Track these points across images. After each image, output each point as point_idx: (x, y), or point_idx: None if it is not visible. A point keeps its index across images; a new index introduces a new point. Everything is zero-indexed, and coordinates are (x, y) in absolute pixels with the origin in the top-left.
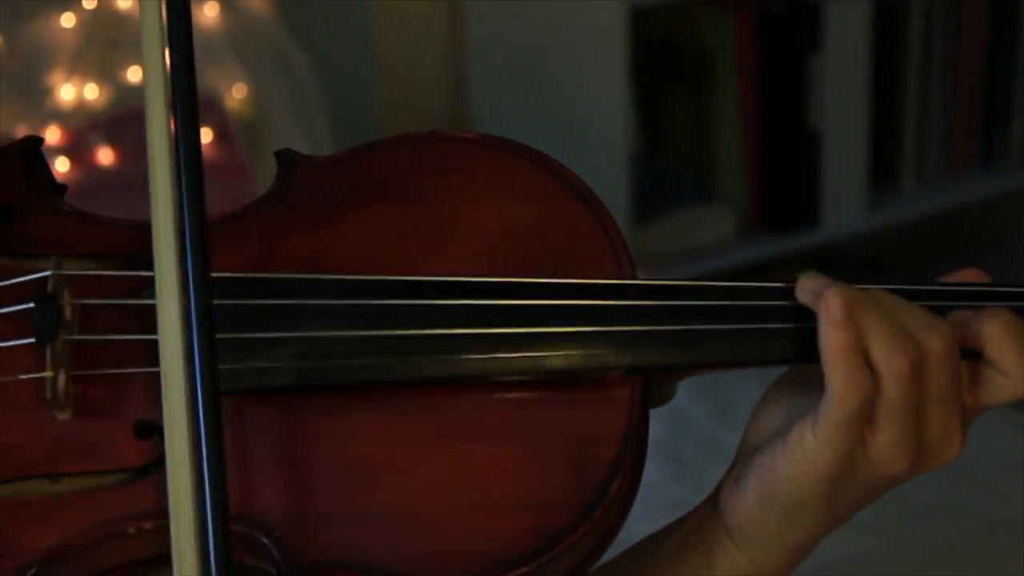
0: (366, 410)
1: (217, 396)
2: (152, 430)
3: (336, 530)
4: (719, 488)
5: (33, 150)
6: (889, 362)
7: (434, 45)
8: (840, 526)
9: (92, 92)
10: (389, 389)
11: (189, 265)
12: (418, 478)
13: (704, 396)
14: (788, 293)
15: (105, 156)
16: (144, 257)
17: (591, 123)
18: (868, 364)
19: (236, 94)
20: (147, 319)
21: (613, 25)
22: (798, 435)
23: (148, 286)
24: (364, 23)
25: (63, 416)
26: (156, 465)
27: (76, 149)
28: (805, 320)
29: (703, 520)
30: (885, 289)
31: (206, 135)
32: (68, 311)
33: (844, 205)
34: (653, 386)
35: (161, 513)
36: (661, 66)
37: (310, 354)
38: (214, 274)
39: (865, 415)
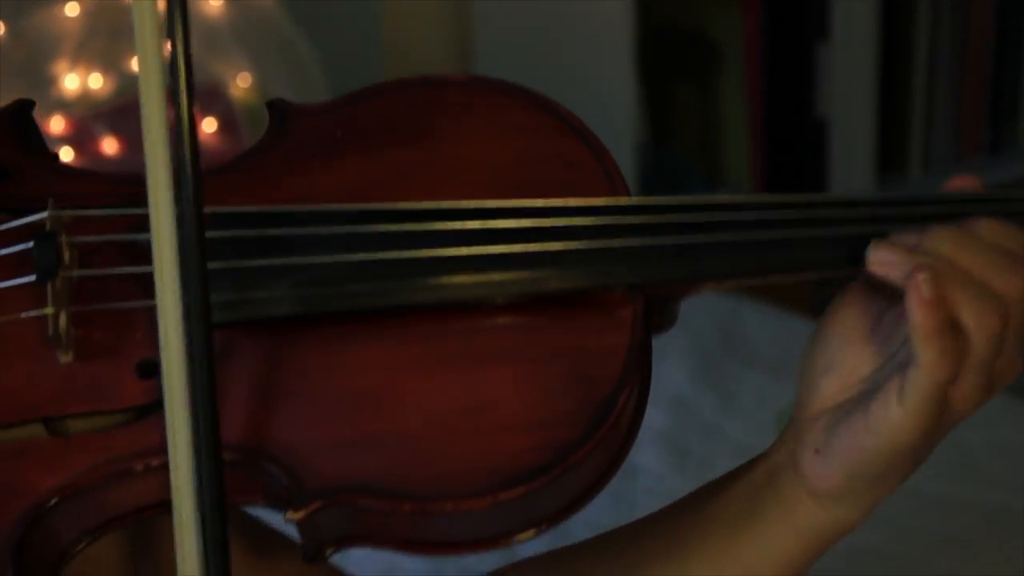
0: (367, 339)
1: (210, 324)
2: (155, 369)
3: (344, 456)
4: (795, 454)
5: (25, 113)
6: (981, 325)
7: (441, 33)
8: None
9: (96, 81)
10: (388, 317)
11: (185, 193)
12: (422, 402)
13: (709, 388)
14: (785, 206)
15: (109, 146)
16: (139, 201)
17: (597, 111)
18: (957, 326)
19: (241, 83)
20: (142, 256)
21: (620, 13)
22: (882, 411)
23: (144, 228)
24: (371, 10)
25: (66, 358)
26: (160, 403)
27: (80, 138)
28: (803, 228)
29: (777, 476)
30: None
31: (211, 124)
32: (67, 251)
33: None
34: (655, 305)
35: (167, 449)
36: (667, 54)
37: (308, 282)
38: (210, 209)
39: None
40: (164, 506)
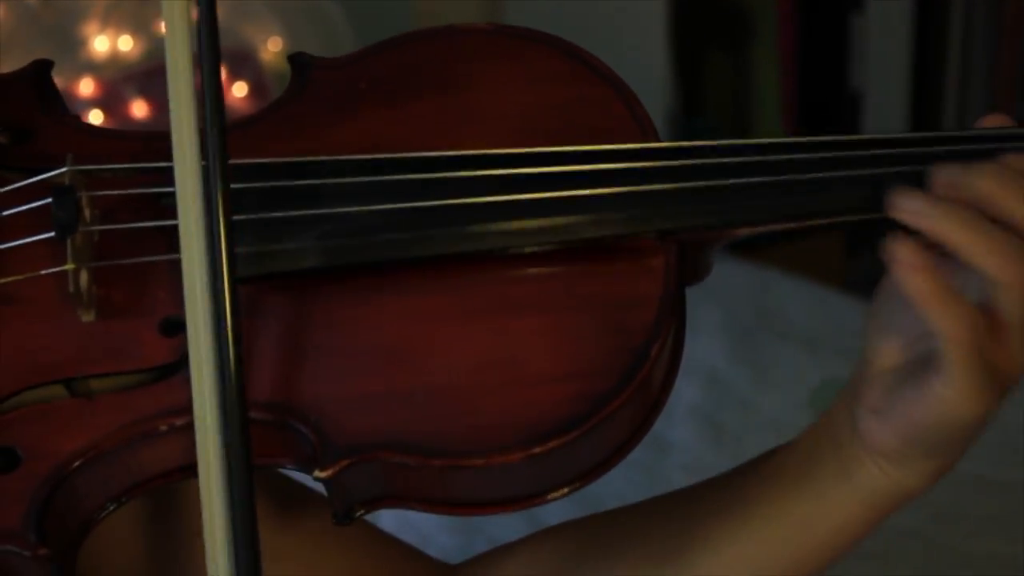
0: (394, 291)
1: (236, 279)
2: (178, 327)
3: (372, 411)
4: (854, 413)
5: (44, 73)
6: (998, 278)
7: None
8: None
9: (126, 44)
10: (416, 268)
11: (210, 145)
12: (451, 355)
13: (743, 362)
14: (819, 146)
15: (139, 109)
16: (160, 158)
17: (629, 80)
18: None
19: (271, 47)
20: (164, 212)
21: None
22: (928, 387)
23: (166, 183)
24: None
25: (87, 318)
26: (184, 361)
27: (110, 101)
28: (836, 170)
29: (838, 433)
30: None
31: (242, 89)
32: (87, 208)
33: None
34: (688, 253)
35: (191, 409)
36: (701, 23)
37: (334, 233)
38: (234, 161)
39: (985, 341)
40: (189, 471)
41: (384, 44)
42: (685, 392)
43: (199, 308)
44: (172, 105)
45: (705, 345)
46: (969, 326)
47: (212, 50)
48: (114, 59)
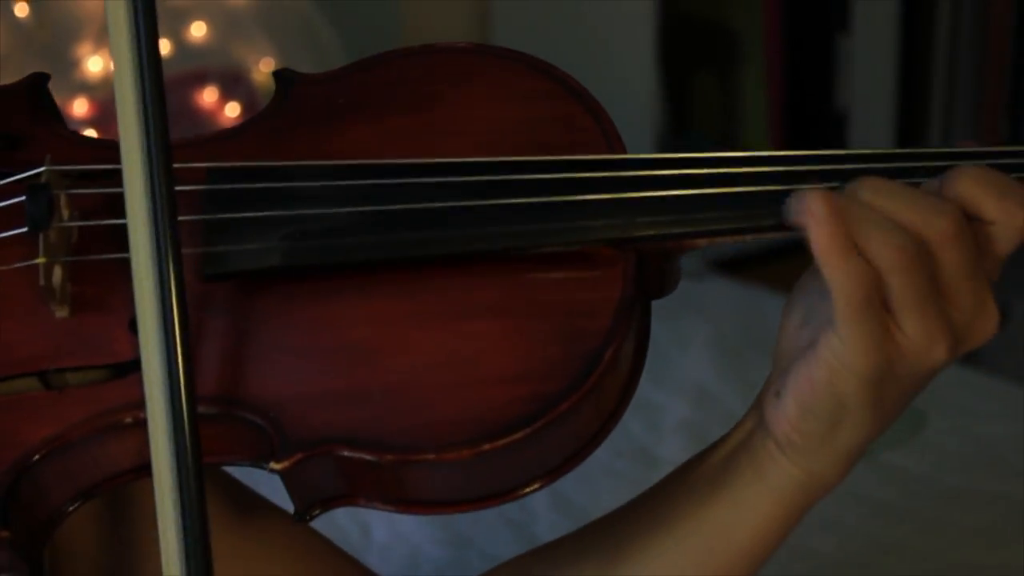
0: (354, 294)
1: (182, 278)
2: None
3: (329, 408)
4: (762, 403)
5: (39, 85)
6: (881, 255)
7: (460, 18)
8: (892, 423)
9: None
10: (377, 272)
11: (152, 147)
12: (408, 355)
13: (732, 379)
14: (778, 160)
15: None
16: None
17: (619, 100)
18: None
19: (264, 68)
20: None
21: (642, 3)
22: (824, 341)
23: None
24: None
25: (61, 313)
26: None
27: (104, 121)
28: (798, 183)
29: (750, 435)
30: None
31: (234, 109)
32: (64, 206)
33: None
34: (650, 262)
35: None
36: (689, 44)
37: (298, 234)
38: (208, 164)
39: (877, 307)
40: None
41: (364, 62)
42: (675, 408)
43: (147, 301)
44: (119, 107)
45: (694, 362)
46: (858, 282)
47: (152, 52)
48: (108, 79)
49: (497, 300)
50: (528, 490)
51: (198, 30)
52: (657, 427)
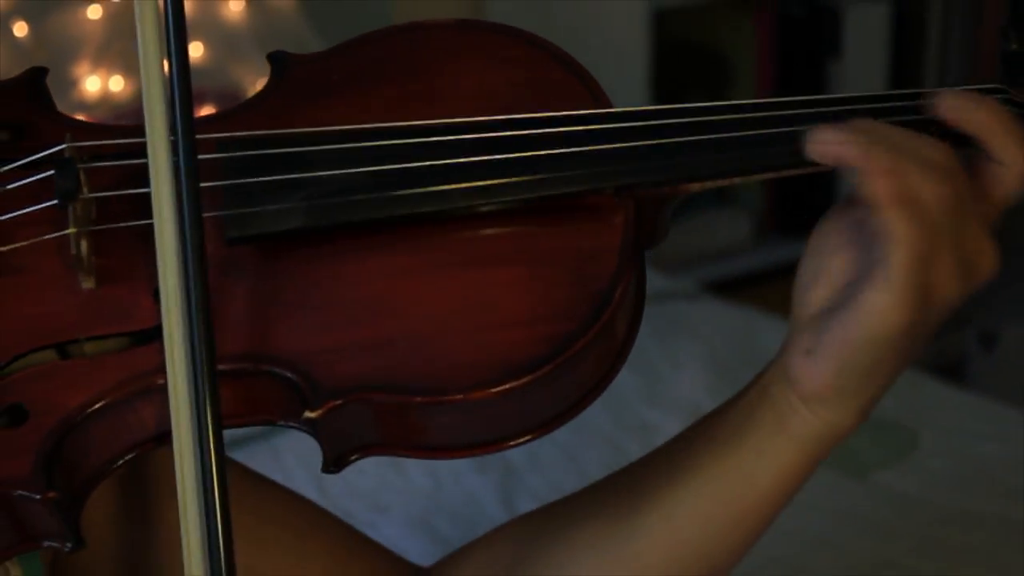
0: (373, 251)
1: (202, 243)
2: None
3: (357, 357)
4: (786, 363)
5: (39, 78)
6: (935, 192)
7: None
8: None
9: (117, 84)
10: (391, 230)
11: (178, 119)
12: (428, 304)
13: (726, 397)
14: (766, 107)
15: None
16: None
17: None
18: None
19: (260, 87)
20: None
21: (635, 28)
22: (867, 298)
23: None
24: (384, 19)
25: (88, 284)
26: None
27: None
28: (786, 125)
29: (765, 390)
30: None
31: None
32: (84, 181)
33: None
34: (645, 210)
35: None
36: (681, 69)
37: (317, 195)
38: (222, 135)
39: (932, 257)
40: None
41: (355, 40)
42: (669, 427)
43: (168, 264)
44: (144, 82)
45: (689, 381)
46: (924, 232)
47: (179, 30)
48: (105, 99)
49: (510, 250)
50: (537, 433)
51: (195, 50)
52: (652, 446)
